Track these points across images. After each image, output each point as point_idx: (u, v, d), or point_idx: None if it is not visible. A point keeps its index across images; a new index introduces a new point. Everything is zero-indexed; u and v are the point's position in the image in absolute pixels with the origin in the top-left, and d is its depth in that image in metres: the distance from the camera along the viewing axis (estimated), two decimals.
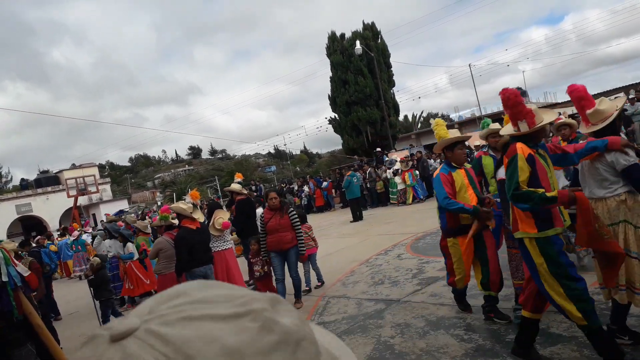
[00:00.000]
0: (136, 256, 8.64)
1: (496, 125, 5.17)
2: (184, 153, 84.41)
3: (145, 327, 0.41)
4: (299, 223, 6.31)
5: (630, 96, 13.85)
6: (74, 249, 14.87)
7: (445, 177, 4.44)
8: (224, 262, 7.08)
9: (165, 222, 7.04)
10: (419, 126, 51.22)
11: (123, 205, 35.35)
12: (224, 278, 7.00)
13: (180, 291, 0.46)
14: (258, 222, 9.02)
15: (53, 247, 14.45)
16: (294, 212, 6.34)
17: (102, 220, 19.87)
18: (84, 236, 15.39)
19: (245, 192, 8.82)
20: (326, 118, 30.94)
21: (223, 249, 7.12)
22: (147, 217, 14.46)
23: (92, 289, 7.16)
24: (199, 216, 7.13)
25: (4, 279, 4.20)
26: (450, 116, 53.14)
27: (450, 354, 3.94)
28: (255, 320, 0.43)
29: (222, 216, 7.22)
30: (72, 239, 15.30)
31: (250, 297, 0.46)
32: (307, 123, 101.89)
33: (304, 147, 69.38)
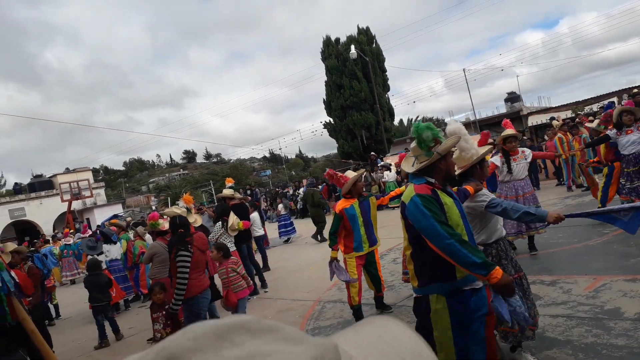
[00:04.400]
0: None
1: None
2: (178, 157, 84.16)
3: None
4: (181, 267, 4.80)
5: (624, 102, 13.93)
6: (66, 253, 14.83)
7: None
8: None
9: (154, 229, 6.90)
10: None
11: (117, 209, 35.21)
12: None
13: (181, 355, 0.36)
14: (252, 228, 9.04)
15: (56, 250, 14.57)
16: (182, 252, 4.86)
17: (98, 225, 19.79)
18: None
19: (238, 196, 8.81)
20: (321, 122, 31.01)
21: (232, 249, 7.23)
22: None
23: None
24: (194, 220, 7.13)
25: None
26: (445, 120, 53.30)
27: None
28: None
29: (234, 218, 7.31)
30: (64, 243, 15.24)
31: None
32: (303, 127, 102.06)
33: (299, 151, 69.34)
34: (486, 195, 3.46)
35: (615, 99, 16.78)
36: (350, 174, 5.25)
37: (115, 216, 22.25)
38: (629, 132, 6.69)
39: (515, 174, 6.47)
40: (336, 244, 5.14)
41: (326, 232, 11.19)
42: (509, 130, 6.51)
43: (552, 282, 5.13)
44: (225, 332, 0.37)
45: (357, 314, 5.31)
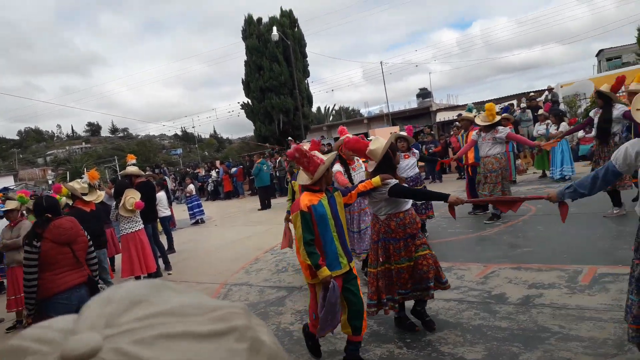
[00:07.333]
0: None
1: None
2: (81, 129, 78.48)
3: (112, 346, 0.33)
4: (25, 265, 3.84)
5: (522, 105, 15.20)
6: None
7: None
8: (139, 243, 6.79)
9: (23, 204, 6.11)
10: (330, 118, 52.13)
11: (8, 182, 32.17)
12: (140, 259, 6.75)
13: (138, 297, 0.38)
14: (158, 208, 8.66)
15: None
16: (25, 248, 3.86)
17: None
18: None
19: (144, 174, 8.39)
20: (239, 103, 30.37)
21: (136, 229, 6.85)
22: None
23: None
24: (96, 197, 6.67)
25: None
26: (361, 111, 54.62)
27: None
28: (242, 340, 0.39)
29: (134, 196, 6.83)
30: None
31: (224, 309, 0.41)
32: (219, 106, 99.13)
33: (214, 131, 67.78)
34: None
35: (515, 102, 18.20)
36: (322, 155, 3.58)
37: (5, 189, 20.27)
38: (407, 157, 7.00)
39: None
40: (319, 257, 3.39)
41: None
42: (346, 135, 5.50)
43: (447, 269, 5.46)
44: (160, 287, 0.41)
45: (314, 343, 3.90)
